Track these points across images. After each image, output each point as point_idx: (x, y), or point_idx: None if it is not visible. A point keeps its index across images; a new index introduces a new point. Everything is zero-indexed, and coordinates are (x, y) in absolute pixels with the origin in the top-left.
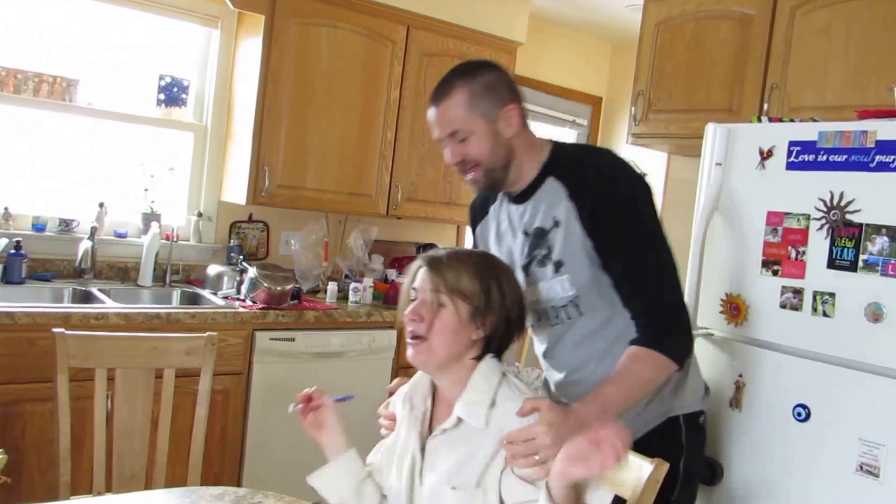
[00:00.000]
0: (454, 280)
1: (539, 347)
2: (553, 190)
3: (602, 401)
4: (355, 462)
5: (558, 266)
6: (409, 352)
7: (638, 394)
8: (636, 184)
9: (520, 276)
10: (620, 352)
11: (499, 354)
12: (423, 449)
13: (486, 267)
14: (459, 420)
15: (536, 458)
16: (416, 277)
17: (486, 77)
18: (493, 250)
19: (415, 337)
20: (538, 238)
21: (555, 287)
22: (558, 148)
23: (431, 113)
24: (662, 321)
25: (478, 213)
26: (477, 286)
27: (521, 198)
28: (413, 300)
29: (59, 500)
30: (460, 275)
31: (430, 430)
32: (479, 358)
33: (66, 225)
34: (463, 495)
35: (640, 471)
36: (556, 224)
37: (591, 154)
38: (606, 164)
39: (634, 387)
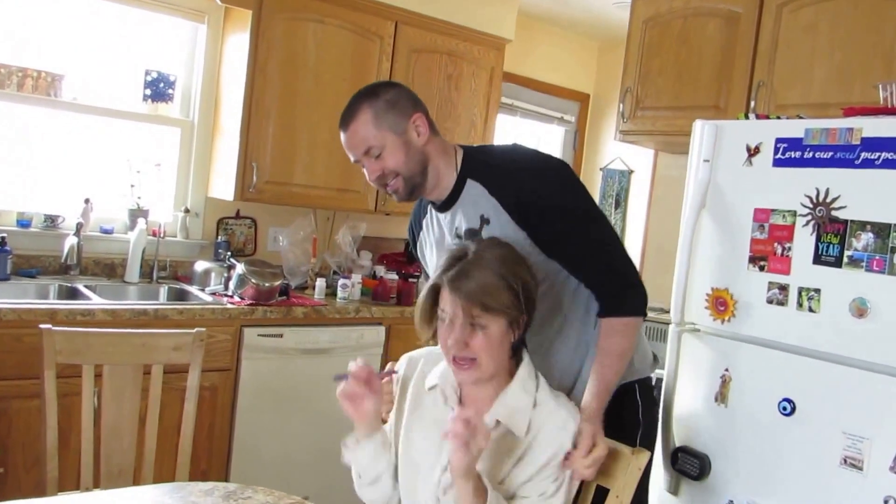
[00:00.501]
0: (488, 300)
1: None
2: (475, 191)
3: (607, 386)
4: (386, 446)
5: None
6: (457, 373)
7: (627, 362)
8: (549, 166)
9: None
10: (574, 329)
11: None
12: None
13: (507, 266)
14: (497, 423)
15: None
16: (443, 299)
17: (388, 94)
18: (431, 260)
19: (462, 360)
20: (470, 238)
21: None
22: (469, 150)
23: (343, 138)
24: (617, 285)
25: (415, 231)
26: (510, 297)
27: (446, 205)
28: (443, 321)
29: (47, 496)
30: (491, 291)
31: None
32: (514, 353)
33: (51, 221)
34: (492, 491)
35: (622, 459)
36: (486, 221)
37: (500, 150)
38: (515, 155)
39: (624, 357)
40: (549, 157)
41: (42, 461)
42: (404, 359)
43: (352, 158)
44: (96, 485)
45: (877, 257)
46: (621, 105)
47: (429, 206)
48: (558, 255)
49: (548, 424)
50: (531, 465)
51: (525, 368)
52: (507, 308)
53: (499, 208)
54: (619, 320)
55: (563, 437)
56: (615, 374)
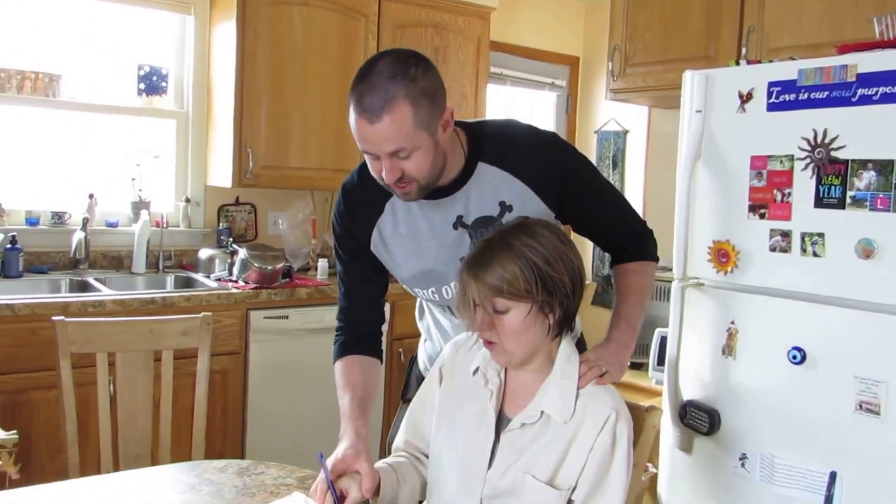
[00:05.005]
0: (503, 286)
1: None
2: (490, 175)
3: (628, 320)
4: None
5: None
6: (490, 354)
7: (648, 300)
8: (562, 140)
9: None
10: None
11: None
12: (497, 434)
13: (535, 249)
14: (542, 413)
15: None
16: (464, 283)
17: (425, 80)
18: (398, 248)
19: (488, 341)
20: (483, 227)
21: None
22: (471, 130)
23: (365, 130)
24: (640, 239)
25: (360, 209)
26: (530, 283)
27: (447, 191)
28: (476, 304)
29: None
30: (507, 277)
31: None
32: (556, 336)
33: (58, 218)
34: (540, 485)
35: (636, 419)
36: (508, 208)
37: (505, 127)
38: (523, 131)
39: (646, 296)
40: (546, 130)
41: (63, 448)
42: (447, 345)
43: (366, 149)
44: (116, 469)
45: (881, 195)
46: (610, 63)
47: (388, 203)
48: (584, 227)
49: (588, 417)
50: (577, 461)
51: (564, 352)
52: (528, 293)
53: (527, 192)
54: (640, 262)
55: (604, 437)
56: (642, 310)
